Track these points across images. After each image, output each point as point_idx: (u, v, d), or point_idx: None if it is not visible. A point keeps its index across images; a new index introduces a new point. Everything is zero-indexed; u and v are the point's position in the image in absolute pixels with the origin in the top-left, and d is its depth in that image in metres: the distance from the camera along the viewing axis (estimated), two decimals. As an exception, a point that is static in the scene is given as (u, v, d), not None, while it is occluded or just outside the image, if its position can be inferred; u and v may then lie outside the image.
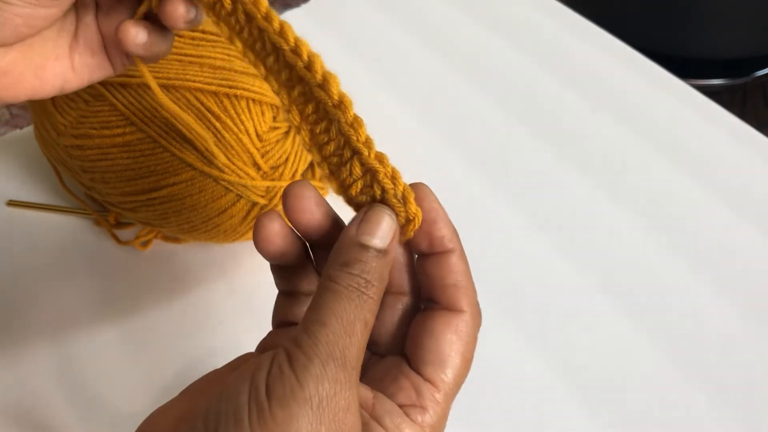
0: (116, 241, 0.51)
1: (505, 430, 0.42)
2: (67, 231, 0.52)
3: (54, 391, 0.44)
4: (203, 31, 0.47)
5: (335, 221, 0.30)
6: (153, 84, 0.37)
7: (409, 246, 0.31)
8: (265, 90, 0.45)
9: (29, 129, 0.58)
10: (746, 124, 0.59)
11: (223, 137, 0.44)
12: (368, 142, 0.29)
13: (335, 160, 0.30)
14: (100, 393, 0.44)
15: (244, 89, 0.45)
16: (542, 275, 0.49)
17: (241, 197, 0.45)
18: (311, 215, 0.30)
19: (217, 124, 0.44)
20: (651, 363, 0.45)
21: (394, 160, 0.56)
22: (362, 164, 0.29)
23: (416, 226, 0.29)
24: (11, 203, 0.53)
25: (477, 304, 0.31)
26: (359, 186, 0.29)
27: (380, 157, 0.29)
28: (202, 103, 0.44)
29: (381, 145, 0.58)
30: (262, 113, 0.45)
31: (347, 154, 0.29)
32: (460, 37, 0.67)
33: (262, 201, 0.45)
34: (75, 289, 0.49)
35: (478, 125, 0.59)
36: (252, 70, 0.46)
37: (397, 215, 0.29)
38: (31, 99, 0.34)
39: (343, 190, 0.30)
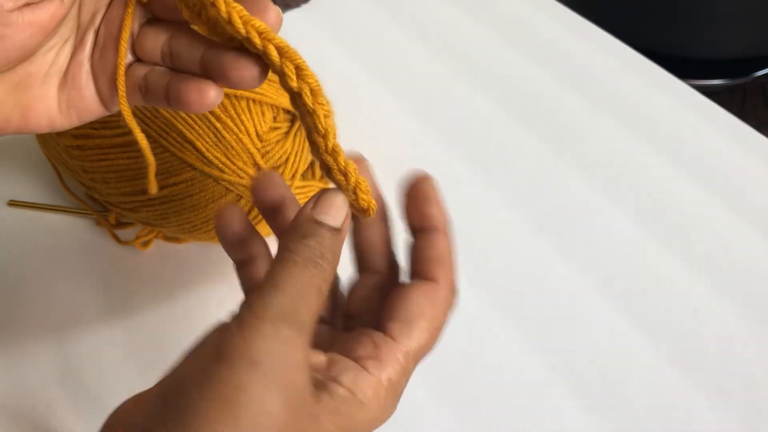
0: (117, 241, 0.51)
1: (504, 430, 0.42)
2: (67, 231, 0.52)
3: (54, 391, 0.44)
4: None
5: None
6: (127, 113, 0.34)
7: (386, 227, 0.35)
8: (265, 90, 0.45)
9: (30, 129, 0.59)
10: (746, 124, 0.59)
11: (224, 137, 0.44)
12: (326, 137, 0.31)
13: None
14: (100, 393, 0.44)
15: (244, 89, 0.45)
16: (542, 275, 0.49)
17: (241, 197, 0.45)
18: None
19: (218, 125, 0.44)
20: (650, 363, 0.45)
21: (394, 159, 0.56)
22: (320, 162, 0.31)
23: (371, 214, 0.32)
24: (12, 203, 0.53)
25: (454, 282, 0.32)
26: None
27: (335, 154, 0.31)
28: (202, 104, 0.44)
29: (381, 145, 0.58)
30: (263, 113, 0.45)
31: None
32: (460, 38, 0.67)
33: (263, 201, 0.45)
34: (75, 289, 0.49)
35: (478, 125, 0.59)
36: (252, 70, 0.46)
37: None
38: (15, 134, 0.34)
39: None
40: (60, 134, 0.47)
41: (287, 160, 0.46)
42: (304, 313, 0.27)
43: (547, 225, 0.52)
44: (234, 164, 0.44)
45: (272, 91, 0.46)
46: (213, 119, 0.44)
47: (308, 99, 0.30)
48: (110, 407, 0.43)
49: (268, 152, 0.45)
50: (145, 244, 0.51)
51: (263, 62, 0.30)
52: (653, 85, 0.62)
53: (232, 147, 0.44)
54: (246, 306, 0.27)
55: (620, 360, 0.45)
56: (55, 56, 0.33)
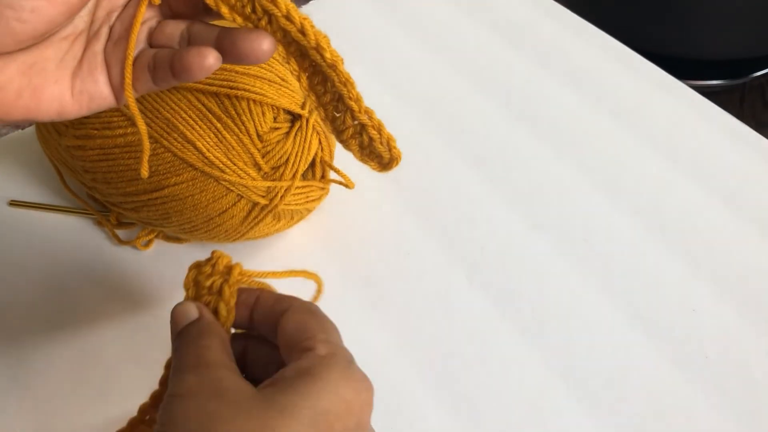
0: (117, 240, 0.51)
1: (504, 430, 0.43)
2: (68, 231, 0.52)
3: (55, 391, 0.44)
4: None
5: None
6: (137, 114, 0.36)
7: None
8: (265, 90, 0.46)
9: (31, 129, 0.59)
10: (744, 125, 0.59)
11: (224, 138, 0.44)
12: (358, 100, 0.35)
13: (330, 108, 0.36)
14: (100, 392, 0.44)
15: (244, 90, 0.45)
16: (541, 275, 0.49)
17: (242, 197, 0.45)
18: None
19: (218, 125, 0.44)
20: (650, 362, 0.45)
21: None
22: (353, 118, 0.35)
23: (397, 164, 0.37)
24: (13, 203, 0.53)
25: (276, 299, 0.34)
26: (350, 132, 0.36)
27: (369, 113, 0.35)
28: (203, 104, 0.44)
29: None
30: (263, 114, 0.45)
31: (341, 107, 0.35)
32: (461, 38, 0.67)
33: (263, 201, 0.45)
34: (76, 289, 0.49)
35: (478, 125, 0.59)
36: (253, 70, 0.46)
37: (381, 158, 0.38)
38: (25, 120, 0.34)
39: (337, 133, 0.37)
40: (61, 134, 0.47)
41: (287, 160, 0.46)
42: (195, 360, 0.30)
43: (546, 225, 0.52)
44: (235, 164, 0.44)
45: (273, 92, 0.46)
46: (214, 119, 0.44)
47: (343, 68, 0.35)
48: (110, 406, 0.44)
49: (268, 152, 0.45)
50: (146, 243, 0.51)
51: (272, 38, 0.34)
52: (652, 85, 0.62)
53: (233, 147, 0.44)
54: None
55: (620, 360, 0.45)
56: (70, 45, 0.34)
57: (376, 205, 0.53)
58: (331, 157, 0.49)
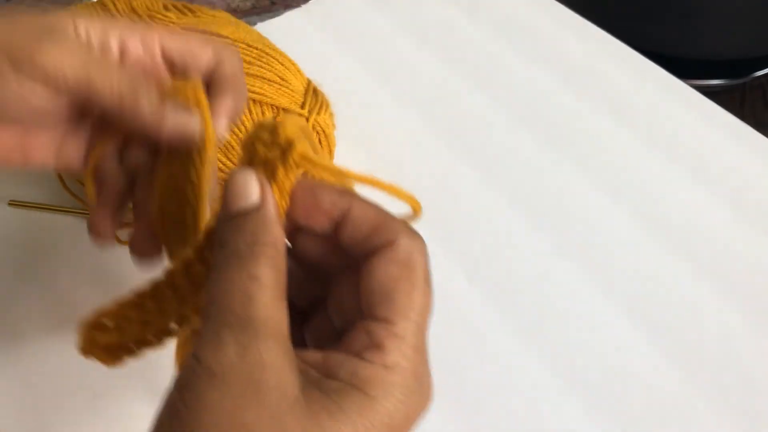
0: (117, 241, 0.51)
1: (504, 430, 0.43)
2: (68, 231, 0.52)
3: (55, 390, 0.44)
4: (203, 32, 0.47)
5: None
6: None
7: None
8: (265, 91, 0.45)
9: (30, 129, 0.59)
10: (745, 124, 0.59)
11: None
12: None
13: None
14: (101, 392, 0.44)
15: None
16: (542, 275, 0.49)
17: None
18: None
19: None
20: (650, 362, 0.45)
21: (395, 159, 0.56)
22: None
23: (294, 147, 0.26)
24: (12, 203, 0.53)
25: (408, 229, 0.28)
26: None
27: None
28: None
29: (381, 144, 0.58)
30: (263, 113, 0.45)
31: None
32: (460, 37, 0.67)
33: (263, 201, 0.45)
34: (75, 289, 0.49)
35: (478, 125, 0.59)
36: (252, 70, 0.46)
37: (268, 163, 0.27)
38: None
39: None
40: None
41: (287, 160, 0.46)
42: (252, 308, 0.24)
43: (547, 225, 0.52)
44: (234, 164, 0.44)
45: (272, 91, 0.46)
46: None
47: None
48: (111, 406, 0.43)
49: (268, 152, 0.45)
50: (146, 244, 0.51)
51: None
52: (653, 84, 0.62)
53: (233, 147, 0.44)
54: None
55: (620, 360, 0.45)
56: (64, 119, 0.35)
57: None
58: (331, 156, 0.49)
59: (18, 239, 0.52)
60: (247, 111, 0.45)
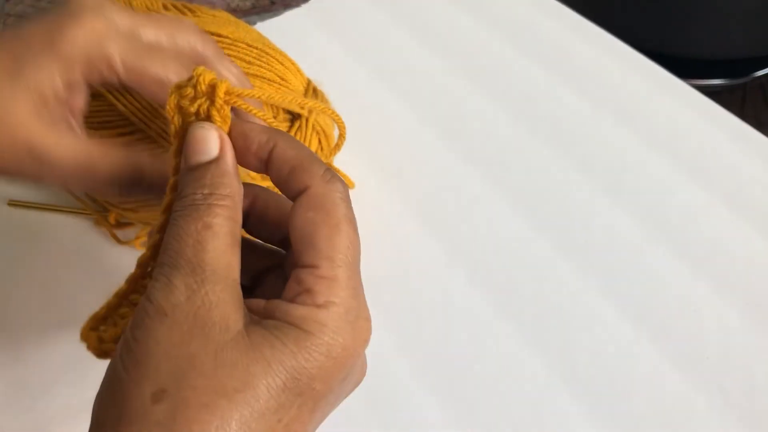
0: (116, 241, 0.51)
1: (504, 430, 0.42)
2: (67, 231, 0.52)
3: (55, 391, 0.44)
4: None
5: None
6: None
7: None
8: (265, 90, 0.45)
9: (30, 129, 0.58)
10: (746, 124, 0.59)
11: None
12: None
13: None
14: (100, 392, 0.44)
15: (244, 89, 0.45)
16: (542, 275, 0.49)
17: (241, 197, 0.45)
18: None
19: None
20: (650, 363, 0.45)
21: (395, 159, 0.56)
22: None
23: (217, 87, 0.28)
24: (12, 203, 0.53)
25: (324, 172, 0.28)
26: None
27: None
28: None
29: (381, 144, 0.58)
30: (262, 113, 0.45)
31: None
32: (461, 37, 0.67)
33: (263, 201, 0.45)
34: (75, 289, 0.49)
35: (478, 125, 0.59)
36: (252, 70, 0.46)
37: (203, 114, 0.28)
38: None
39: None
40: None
41: (287, 160, 0.46)
42: (203, 254, 0.26)
43: (547, 225, 0.52)
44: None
45: (272, 91, 0.46)
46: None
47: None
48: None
49: (268, 152, 0.45)
50: (145, 244, 0.51)
51: None
52: (653, 84, 0.62)
53: (232, 147, 0.44)
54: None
55: (620, 360, 0.45)
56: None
57: (377, 205, 0.53)
58: (332, 157, 0.49)
59: (18, 239, 0.52)
60: (246, 111, 0.45)
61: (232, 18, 0.50)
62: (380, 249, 0.51)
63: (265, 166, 0.29)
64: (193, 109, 0.28)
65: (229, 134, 0.29)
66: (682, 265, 0.50)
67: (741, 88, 1.40)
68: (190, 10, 0.49)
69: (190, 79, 0.28)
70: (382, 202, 0.53)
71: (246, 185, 0.30)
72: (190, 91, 0.28)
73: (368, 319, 0.28)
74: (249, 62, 0.46)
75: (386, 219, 0.52)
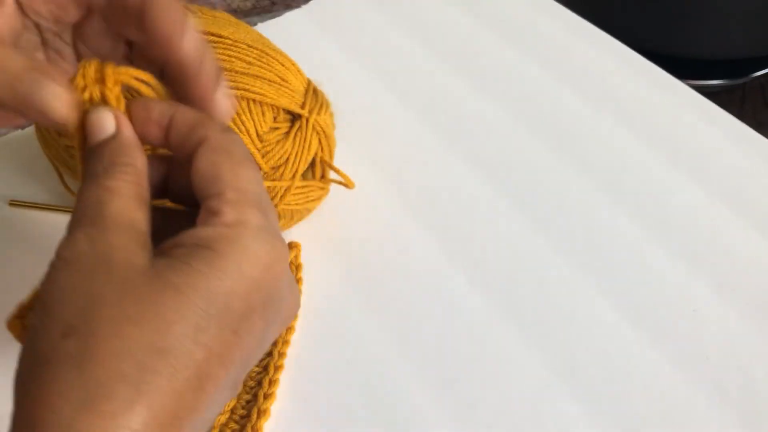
0: (117, 241, 0.51)
1: (504, 430, 0.43)
2: (68, 231, 0.52)
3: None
4: (203, 32, 0.47)
5: None
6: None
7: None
8: (265, 91, 0.45)
9: (30, 129, 0.58)
10: (745, 125, 0.59)
11: (224, 137, 0.44)
12: None
13: None
14: (101, 392, 0.44)
15: (244, 90, 0.45)
16: (542, 275, 0.49)
17: (241, 197, 0.45)
18: None
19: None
20: (650, 363, 0.45)
21: (395, 159, 0.56)
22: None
23: (106, 70, 0.30)
24: (13, 203, 0.53)
25: (220, 125, 0.30)
26: None
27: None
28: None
29: (381, 144, 0.58)
30: (263, 113, 0.45)
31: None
32: (461, 38, 0.67)
33: (263, 201, 0.45)
34: (76, 289, 0.49)
35: (478, 126, 0.59)
36: (252, 70, 0.46)
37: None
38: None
39: None
40: (61, 134, 0.47)
41: (287, 160, 0.46)
42: (102, 209, 0.27)
43: (547, 224, 0.52)
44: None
45: (272, 92, 0.46)
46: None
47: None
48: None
49: (268, 152, 0.45)
50: (146, 244, 0.51)
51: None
52: (653, 85, 0.62)
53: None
54: None
55: (620, 360, 0.45)
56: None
57: (377, 205, 0.53)
58: (331, 156, 0.49)
59: (18, 239, 0.52)
60: (247, 111, 0.45)
61: (233, 19, 0.50)
62: (380, 249, 0.51)
63: (165, 134, 0.30)
64: (86, 97, 0.29)
65: (130, 108, 0.30)
66: (682, 265, 0.50)
67: (740, 89, 1.40)
68: (190, 10, 0.49)
69: (77, 71, 0.30)
70: (382, 202, 0.53)
71: (159, 156, 0.31)
72: (80, 81, 0.29)
73: (281, 239, 0.28)
74: (249, 63, 0.46)
75: (386, 219, 0.52)
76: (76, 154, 0.31)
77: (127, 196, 0.27)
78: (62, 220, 0.53)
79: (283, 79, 0.47)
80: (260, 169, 0.45)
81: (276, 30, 0.61)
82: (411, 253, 0.51)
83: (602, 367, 0.45)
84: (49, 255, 0.51)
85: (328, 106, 0.51)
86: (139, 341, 0.24)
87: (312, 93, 0.50)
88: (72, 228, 0.27)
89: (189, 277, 0.25)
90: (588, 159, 0.56)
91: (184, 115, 0.29)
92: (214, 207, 0.27)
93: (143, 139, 0.30)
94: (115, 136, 0.29)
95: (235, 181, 0.27)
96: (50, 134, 0.48)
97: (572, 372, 0.45)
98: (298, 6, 0.70)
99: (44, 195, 0.54)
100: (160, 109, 0.30)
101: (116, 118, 0.29)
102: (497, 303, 0.48)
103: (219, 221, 0.26)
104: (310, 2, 0.70)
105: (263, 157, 0.45)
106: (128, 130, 0.29)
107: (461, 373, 0.45)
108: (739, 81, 1.39)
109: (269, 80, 0.46)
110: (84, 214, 0.27)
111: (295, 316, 0.29)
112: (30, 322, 0.27)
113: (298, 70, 0.50)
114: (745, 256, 0.50)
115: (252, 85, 0.45)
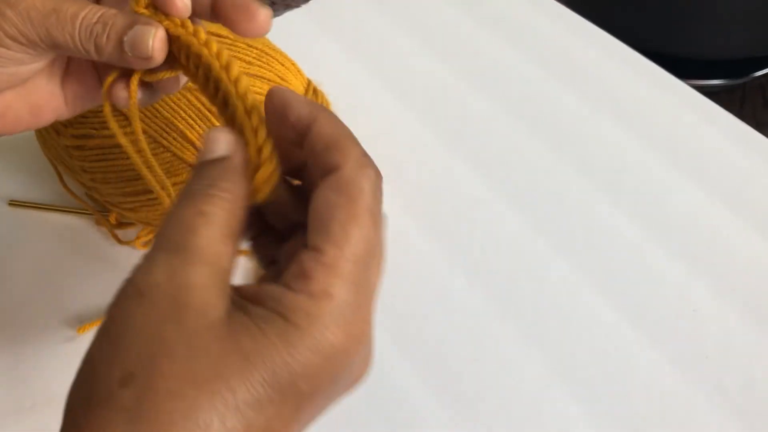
0: (117, 241, 0.51)
1: (504, 430, 0.43)
2: (68, 231, 0.52)
3: (54, 391, 0.44)
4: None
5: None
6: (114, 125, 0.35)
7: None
8: (265, 90, 0.45)
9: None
10: (745, 124, 0.59)
11: (224, 137, 0.44)
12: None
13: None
14: (100, 392, 0.44)
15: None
16: (542, 275, 0.49)
17: (241, 197, 0.45)
18: None
19: (217, 124, 0.44)
20: (650, 363, 0.45)
21: (394, 159, 0.56)
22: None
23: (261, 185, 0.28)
24: (12, 203, 0.53)
25: (360, 156, 0.27)
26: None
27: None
28: (202, 103, 0.44)
29: (381, 144, 0.58)
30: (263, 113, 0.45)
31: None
32: (460, 38, 0.67)
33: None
34: (76, 289, 0.49)
35: (478, 125, 0.59)
36: (252, 70, 0.46)
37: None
38: (25, 131, 0.35)
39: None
40: (60, 134, 0.47)
41: (287, 160, 0.46)
42: (191, 237, 0.25)
43: (547, 224, 0.52)
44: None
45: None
46: (213, 119, 0.44)
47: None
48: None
49: (268, 152, 0.45)
50: (146, 244, 0.51)
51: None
52: (653, 85, 0.62)
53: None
54: None
55: (620, 360, 0.45)
56: (54, 55, 0.34)
57: (376, 205, 0.53)
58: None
59: (17, 239, 0.52)
60: (247, 111, 0.45)
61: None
62: (380, 249, 0.51)
63: (301, 139, 0.28)
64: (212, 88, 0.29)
65: (270, 100, 0.29)
66: (681, 264, 0.50)
67: (740, 89, 1.40)
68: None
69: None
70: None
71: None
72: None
73: (367, 322, 0.26)
74: (249, 62, 0.46)
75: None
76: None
77: (219, 226, 0.25)
78: (61, 220, 0.53)
79: (282, 79, 0.47)
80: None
81: (276, 30, 0.61)
82: (411, 253, 0.51)
83: (602, 367, 0.45)
84: (49, 255, 0.52)
85: (327, 106, 0.51)
86: (195, 405, 0.23)
87: (312, 93, 0.50)
88: (155, 249, 0.25)
89: (261, 346, 0.24)
90: (588, 159, 0.56)
91: (325, 129, 0.28)
92: (307, 268, 0.25)
93: (276, 139, 0.28)
94: (226, 159, 0.27)
95: (342, 238, 0.25)
96: (49, 134, 0.48)
97: (572, 371, 0.45)
98: (297, 6, 0.70)
99: (44, 195, 0.54)
100: (300, 112, 0.28)
101: (234, 144, 0.28)
102: (497, 303, 0.48)
103: (305, 288, 0.24)
104: (310, 2, 0.70)
105: (263, 156, 0.45)
106: (240, 160, 0.27)
107: (461, 373, 0.45)
108: (739, 81, 1.39)
109: (269, 80, 0.46)
110: (170, 237, 0.25)
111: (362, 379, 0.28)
112: (92, 343, 0.25)
113: (298, 70, 0.50)
114: (745, 256, 0.50)
115: (252, 85, 0.45)
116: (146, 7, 0.33)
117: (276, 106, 0.28)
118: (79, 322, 0.47)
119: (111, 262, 0.50)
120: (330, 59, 0.64)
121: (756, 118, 1.35)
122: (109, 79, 0.33)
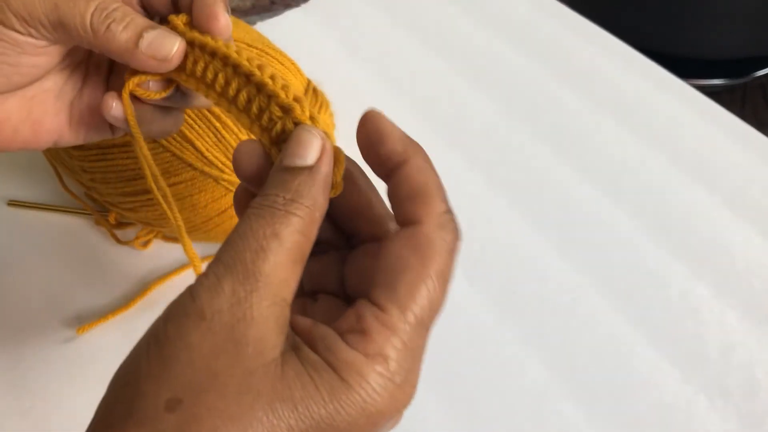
0: (116, 241, 0.51)
1: (504, 430, 0.42)
2: (67, 231, 0.52)
3: (54, 391, 0.44)
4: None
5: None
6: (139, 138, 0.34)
7: (364, 189, 0.30)
8: (265, 90, 0.45)
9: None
10: (746, 124, 0.59)
11: (224, 137, 0.44)
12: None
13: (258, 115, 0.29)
14: (101, 392, 0.44)
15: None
16: (542, 274, 0.49)
17: (241, 197, 0.45)
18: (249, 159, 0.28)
19: (217, 124, 0.44)
20: (650, 363, 0.45)
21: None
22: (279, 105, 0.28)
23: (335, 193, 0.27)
24: (12, 203, 0.53)
25: (445, 212, 0.27)
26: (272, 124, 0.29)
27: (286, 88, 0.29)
28: (202, 103, 0.44)
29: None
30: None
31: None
32: (460, 37, 0.67)
33: (262, 201, 0.45)
34: (75, 289, 0.49)
35: (478, 125, 0.59)
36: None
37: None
38: (21, 150, 0.34)
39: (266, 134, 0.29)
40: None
41: (287, 160, 0.46)
42: (261, 263, 0.24)
43: (547, 224, 0.52)
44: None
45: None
46: (213, 119, 0.44)
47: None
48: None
49: (268, 152, 0.45)
50: (145, 244, 0.51)
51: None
52: (654, 84, 0.62)
53: (232, 147, 0.44)
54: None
55: (620, 360, 0.45)
56: (69, 75, 0.34)
57: (376, 205, 0.53)
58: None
59: (17, 239, 0.52)
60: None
61: (232, 18, 0.50)
62: (380, 249, 0.51)
63: (386, 173, 0.27)
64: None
65: (364, 125, 0.27)
66: (682, 264, 0.50)
67: (741, 88, 1.40)
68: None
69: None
70: (382, 202, 0.53)
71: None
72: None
73: (414, 386, 0.26)
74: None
75: (386, 219, 0.52)
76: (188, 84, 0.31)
77: (291, 251, 0.24)
78: (61, 220, 0.53)
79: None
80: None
81: (276, 29, 0.61)
82: (411, 253, 0.50)
83: (602, 366, 0.45)
84: (49, 255, 0.51)
85: (327, 105, 0.51)
86: None
87: (312, 93, 0.50)
88: (223, 267, 0.24)
89: (310, 399, 0.23)
90: (588, 158, 0.56)
91: (414, 175, 0.27)
92: (367, 324, 0.24)
93: (371, 164, 0.27)
94: (311, 170, 0.26)
95: (408, 301, 0.25)
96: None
97: (572, 371, 0.45)
98: (297, 5, 0.70)
99: (43, 195, 0.54)
100: (393, 147, 0.27)
101: (322, 150, 0.26)
102: (497, 302, 0.48)
103: (362, 347, 0.24)
104: (310, 1, 0.70)
105: (263, 156, 0.45)
106: (327, 169, 0.26)
107: (461, 373, 0.45)
108: (741, 80, 1.39)
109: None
110: (240, 258, 0.24)
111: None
112: (139, 353, 0.25)
113: (298, 70, 0.50)
114: (745, 256, 0.50)
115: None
116: (185, 24, 0.32)
117: (370, 132, 0.27)
118: (79, 323, 0.47)
119: (110, 262, 0.50)
120: (330, 59, 0.64)
121: (757, 118, 1.35)
122: (135, 79, 0.32)
